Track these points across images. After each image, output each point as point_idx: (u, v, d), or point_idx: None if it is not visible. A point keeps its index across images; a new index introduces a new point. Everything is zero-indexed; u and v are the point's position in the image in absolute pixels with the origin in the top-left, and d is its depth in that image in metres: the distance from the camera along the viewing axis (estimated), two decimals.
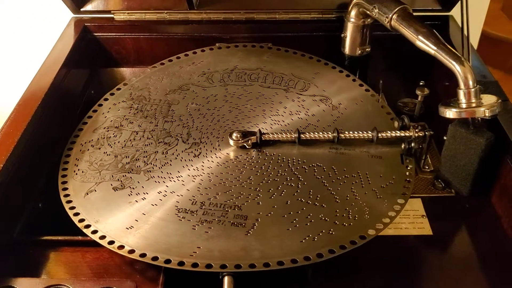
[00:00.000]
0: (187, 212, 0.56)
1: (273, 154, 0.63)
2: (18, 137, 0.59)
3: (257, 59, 0.78)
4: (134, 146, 0.65)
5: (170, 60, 0.79)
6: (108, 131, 0.67)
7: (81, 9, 0.83)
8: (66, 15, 0.84)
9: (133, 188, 0.59)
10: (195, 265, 0.50)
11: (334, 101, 0.70)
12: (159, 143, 0.65)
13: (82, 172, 0.62)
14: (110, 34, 0.83)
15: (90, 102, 0.73)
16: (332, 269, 0.54)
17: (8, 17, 0.99)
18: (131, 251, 0.52)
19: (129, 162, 0.62)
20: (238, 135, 0.63)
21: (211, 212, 0.56)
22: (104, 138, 0.66)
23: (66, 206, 0.57)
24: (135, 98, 0.72)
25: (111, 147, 0.65)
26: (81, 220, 0.56)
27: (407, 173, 0.60)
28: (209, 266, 0.50)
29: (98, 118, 0.69)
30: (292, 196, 0.57)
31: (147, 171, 0.61)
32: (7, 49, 1.04)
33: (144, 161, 0.63)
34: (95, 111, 0.71)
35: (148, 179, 0.60)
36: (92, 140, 0.66)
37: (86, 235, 0.54)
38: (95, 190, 0.59)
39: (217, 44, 0.81)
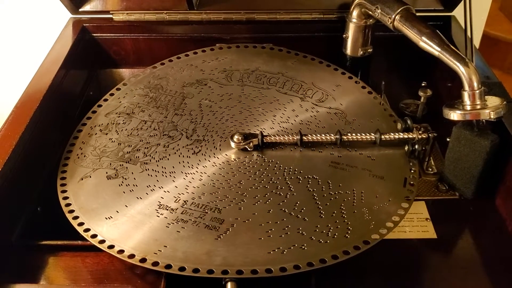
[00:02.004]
0: (167, 209, 0.56)
1: (272, 160, 0.62)
2: (17, 140, 0.58)
3: (281, 63, 0.77)
4: (139, 136, 0.65)
5: (195, 53, 0.78)
6: (119, 116, 0.67)
7: (80, 10, 0.82)
8: (64, 15, 0.83)
9: (125, 179, 0.59)
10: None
11: (348, 116, 0.68)
12: (163, 135, 0.65)
13: (84, 156, 0.62)
14: (109, 34, 0.83)
15: (89, 104, 0.72)
16: (335, 273, 0.53)
17: (6, 18, 0.98)
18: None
19: (129, 152, 0.62)
20: (240, 138, 0.63)
21: (190, 212, 0.55)
22: (113, 123, 0.66)
23: (59, 189, 0.58)
24: (152, 87, 0.72)
25: (118, 133, 0.65)
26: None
27: (408, 190, 0.58)
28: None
29: (113, 103, 0.70)
30: (276, 206, 0.56)
31: (144, 163, 0.61)
32: (5, 49, 1.03)
33: (144, 152, 0.62)
34: (112, 94, 0.71)
35: (142, 171, 0.60)
36: (102, 124, 0.67)
37: (86, 240, 0.53)
38: (90, 176, 0.59)
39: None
